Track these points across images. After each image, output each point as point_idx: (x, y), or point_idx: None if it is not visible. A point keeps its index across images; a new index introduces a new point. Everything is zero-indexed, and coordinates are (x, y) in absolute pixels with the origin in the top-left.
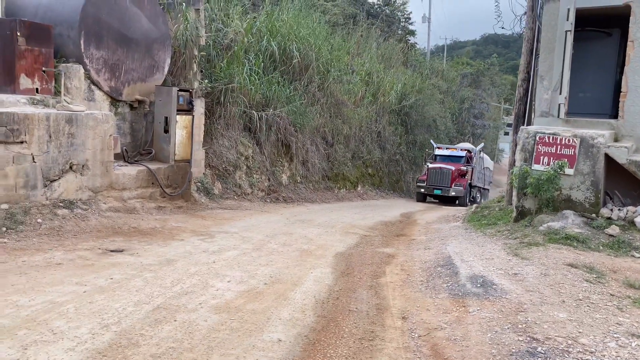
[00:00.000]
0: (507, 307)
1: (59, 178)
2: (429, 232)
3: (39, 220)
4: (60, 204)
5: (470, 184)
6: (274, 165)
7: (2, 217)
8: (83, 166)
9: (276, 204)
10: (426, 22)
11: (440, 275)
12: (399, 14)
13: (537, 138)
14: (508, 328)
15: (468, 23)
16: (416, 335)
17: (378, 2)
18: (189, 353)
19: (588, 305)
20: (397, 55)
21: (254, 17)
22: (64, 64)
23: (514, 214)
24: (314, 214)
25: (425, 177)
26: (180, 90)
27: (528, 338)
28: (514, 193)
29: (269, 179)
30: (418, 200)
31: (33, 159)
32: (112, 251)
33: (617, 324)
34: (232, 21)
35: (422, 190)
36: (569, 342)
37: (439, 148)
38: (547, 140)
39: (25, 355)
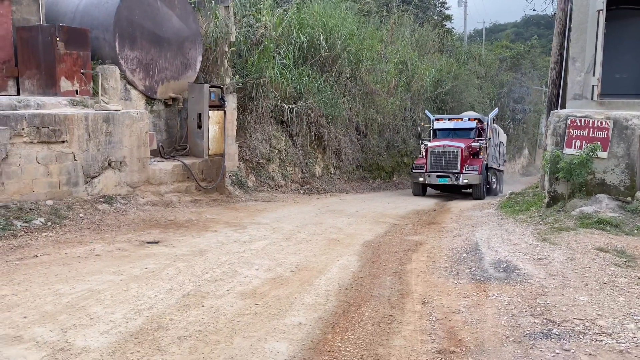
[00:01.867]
0: (527, 291)
1: (99, 175)
2: (461, 220)
3: (81, 214)
4: (101, 199)
5: (486, 166)
6: (307, 157)
7: (48, 213)
8: (121, 163)
9: (309, 195)
10: (462, 6)
11: (465, 261)
12: None
13: (569, 121)
14: (525, 311)
15: (508, 5)
16: (434, 319)
17: None
18: (213, 335)
19: (612, 289)
20: (432, 42)
21: (285, 10)
22: (100, 66)
23: (546, 200)
24: (346, 204)
25: (423, 160)
26: (212, 86)
27: (545, 320)
28: (546, 178)
29: (302, 171)
30: (415, 194)
31: (74, 157)
32: (148, 243)
33: (639, 306)
34: (262, 16)
35: (421, 179)
36: (587, 324)
37: (438, 120)
38: (579, 124)
39: (64, 337)
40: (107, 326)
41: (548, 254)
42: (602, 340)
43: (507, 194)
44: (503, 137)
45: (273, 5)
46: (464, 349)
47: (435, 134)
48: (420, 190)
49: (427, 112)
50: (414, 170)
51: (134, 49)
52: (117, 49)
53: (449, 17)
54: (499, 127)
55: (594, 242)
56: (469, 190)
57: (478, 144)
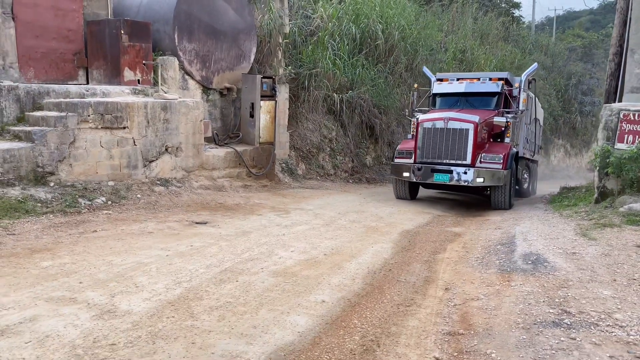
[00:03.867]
0: (550, 283)
1: (156, 159)
2: (507, 213)
3: (139, 195)
4: (157, 181)
5: (516, 155)
6: (357, 147)
7: (109, 193)
8: (177, 148)
9: (358, 185)
10: None
11: (497, 252)
12: None
13: (621, 115)
14: (543, 301)
15: None
16: (452, 304)
17: None
18: (241, 307)
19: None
20: (496, 30)
21: (340, 1)
22: (161, 57)
23: (595, 195)
24: (392, 194)
25: (411, 144)
26: (264, 77)
27: (560, 311)
28: (595, 173)
29: (352, 160)
30: (399, 196)
31: (134, 142)
32: (197, 223)
33: None
34: (318, 8)
35: (406, 174)
36: (602, 316)
37: (441, 81)
38: (632, 118)
39: (112, 301)
40: (149, 294)
41: (583, 249)
42: (612, 332)
43: (549, 194)
44: (540, 113)
45: None
46: (472, 332)
47: (436, 102)
48: (407, 191)
49: (425, 69)
50: (396, 160)
51: (191, 41)
52: (176, 41)
53: (516, 5)
54: (536, 97)
55: (637, 239)
56: (490, 197)
57: (504, 119)
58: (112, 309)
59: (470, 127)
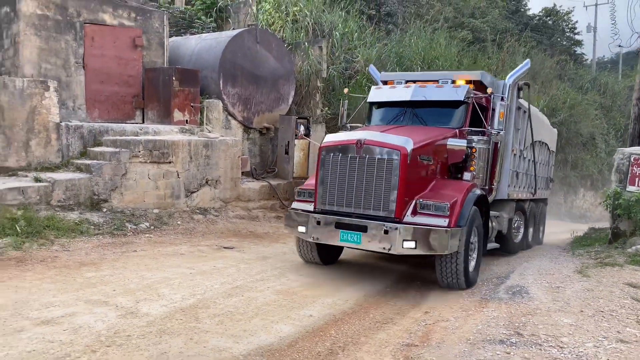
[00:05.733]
0: (519, 310)
1: (197, 190)
2: (526, 251)
3: (179, 222)
4: (197, 210)
5: (483, 198)
6: None
7: (153, 219)
8: (216, 181)
9: None
10: (591, 32)
11: (490, 284)
12: (563, 24)
13: (632, 159)
14: (503, 324)
15: None
16: (423, 324)
17: (539, 14)
18: (239, 315)
19: (604, 316)
20: (549, 69)
21: (385, 44)
22: (207, 100)
23: (609, 236)
24: None
25: (312, 183)
26: (299, 118)
27: (513, 332)
28: (609, 215)
29: None
30: (307, 259)
31: (178, 175)
32: (225, 247)
33: (617, 331)
34: (359, 52)
35: (302, 228)
36: (549, 339)
37: (386, 84)
38: None
39: (135, 305)
40: (167, 302)
41: (570, 284)
42: (548, 352)
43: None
44: (548, 135)
45: (373, 41)
46: (425, 345)
47: (372, 115)
48: (315, 252)
49: (372, 69)
50: (294, 204)
51: (235, 86)
52: (221, 86)
53: (578, 43)
54: (539, 114)
55: (631, 277)
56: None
57: (463, 142)
58: (135, 311)
59: (397, 155)
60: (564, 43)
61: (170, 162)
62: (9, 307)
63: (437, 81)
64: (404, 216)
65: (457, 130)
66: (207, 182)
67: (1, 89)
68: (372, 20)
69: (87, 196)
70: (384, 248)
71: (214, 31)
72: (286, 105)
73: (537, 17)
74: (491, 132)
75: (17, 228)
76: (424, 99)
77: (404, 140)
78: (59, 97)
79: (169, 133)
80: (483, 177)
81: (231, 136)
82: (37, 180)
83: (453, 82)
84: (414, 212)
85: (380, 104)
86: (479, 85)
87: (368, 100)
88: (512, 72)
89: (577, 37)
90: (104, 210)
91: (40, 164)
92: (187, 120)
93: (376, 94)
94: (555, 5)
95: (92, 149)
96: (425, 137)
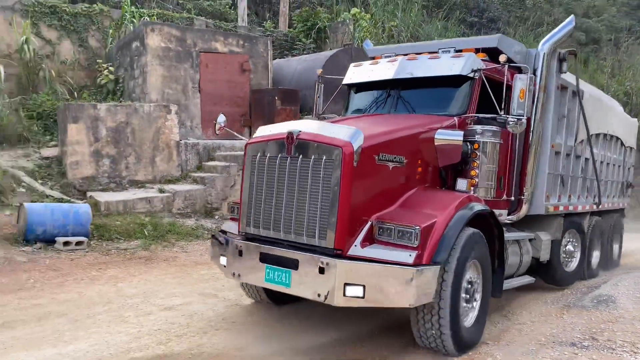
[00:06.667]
0: (600, 318)
1: None
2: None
3: None
4: None
5: (487, 217)
6: None
7: None
8: None
9: None
10: None
11: (578, 292)
12: None
13: None
14: (579, 329)
15: None
16: (499, 326)
17: None
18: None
19: None
20: None
21: None
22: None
23: None
24: None
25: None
26: None
27: (588, 337)
28: None
29: None
30: (251, 295)
31: None
32: None
33: None
34: None
35: (223, 258)
36: (625, 344)
37: (372, 60)
38: None
39: (240, 299)
40: None
41: None
42: (620, 355)
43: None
44: (621, 125)
45: None
46: (496, 343)
47: (349, 101)
48: (262, 289)
49: (367, 43)
50: (224, 226)
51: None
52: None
53: None
54: (601, 93)
55: None
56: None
57: (477, 133)
58: (239, 303)
59: (337, 155)
60: None
61: None
62: (140, 295)
63: (436, 52)
64: (349, 246)
65: (455, 119)
66: None
67: (133, 113)
68: (473, 27)
69: (201, 205)
70: (318, 295)
71: (314, 51)
72: None
73: None
74: (508, 120)
75: (145, 232)
76: (410, 76)
77: (350, 132)
78: (178, 118)
79: None
80: (494, 185)
81: None
82: (161, 191)
83: (455, 51)
84: (367, 240)
85: (360, 87)
86: (493, 55)
87: (343, 82)
88: (548, 36)
89: None
90: (216, 217)
91: (164, 177)
92: None
93: (353, 74)
94: None
95: (206, 163)
96: (395, 127)
